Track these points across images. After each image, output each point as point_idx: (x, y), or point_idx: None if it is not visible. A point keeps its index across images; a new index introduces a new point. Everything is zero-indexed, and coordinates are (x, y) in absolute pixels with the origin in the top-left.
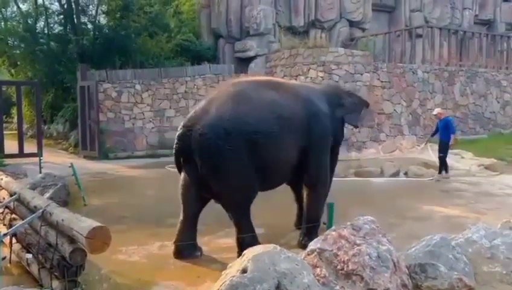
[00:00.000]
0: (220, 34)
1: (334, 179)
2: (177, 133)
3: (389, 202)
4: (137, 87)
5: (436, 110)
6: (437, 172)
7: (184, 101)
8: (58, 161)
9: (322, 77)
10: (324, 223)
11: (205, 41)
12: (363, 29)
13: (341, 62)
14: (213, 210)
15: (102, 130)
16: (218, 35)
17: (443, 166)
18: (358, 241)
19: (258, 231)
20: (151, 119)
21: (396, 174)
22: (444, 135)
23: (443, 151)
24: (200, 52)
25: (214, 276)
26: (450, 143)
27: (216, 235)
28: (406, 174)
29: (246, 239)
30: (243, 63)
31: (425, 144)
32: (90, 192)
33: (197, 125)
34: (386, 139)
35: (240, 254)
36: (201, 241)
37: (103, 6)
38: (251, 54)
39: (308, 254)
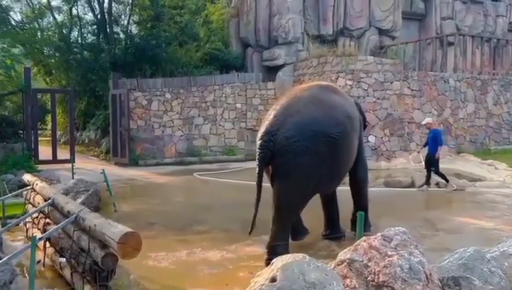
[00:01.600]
0: (249, 43)
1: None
2: (260, 141)
3: (420, 213)
4: (167, 95)
5: (426, 120)
6: (445, 182)
7: (212, 109)
8: (89, 167)
9: (350, 85)
10: (354, 234)
11: (233, 50)
12: (393, 37)
13: (370, 70)
14: (239, 218)
15: (133, 137)
16: (246, 44)
17: (430, 178)
18: (389, 252)
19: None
20: (180, 127)
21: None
22: (432, 147)
23: (433, 165)
24: (228, 61)
25: (242, 284)
26: (436, 156)
27: (244, 243)
28: (437, 185)
29: (280, 246)
30: (271, 72)
31: (418, 152)
32: (120, 198)
33: (283, 129)
34: (417, 149)
35: (269, 257)
36: (229, 249)
37: (135, 16)
38: (279, 62)
39: (338, 264)
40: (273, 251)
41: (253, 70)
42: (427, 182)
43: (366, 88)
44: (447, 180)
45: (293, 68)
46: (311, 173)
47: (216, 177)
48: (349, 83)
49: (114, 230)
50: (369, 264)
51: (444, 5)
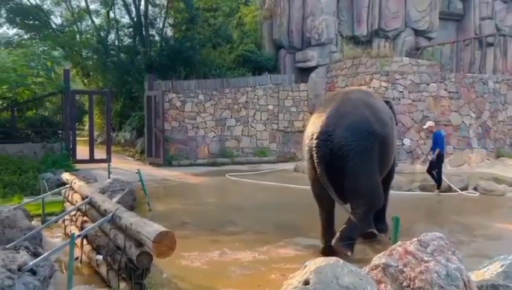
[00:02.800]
0: (281, 44)
1: (398, 192)
2: (316, 141)
3: (457, 218)
4: (201, 97)
5: (428, 124)
6: (436, 185)
7: (245, 110)
8: (125, 167)
9: (385, 86)
10: (389, 238)
11: (266, 52)
12: (430, 38)
13: (406, 72)
14: (271, 220)
15: (167, 138)
16: (279, 45)
17: (441, 181)
18: (425, 258)
19: (320, 243)
20: (212, 128)
21: (464, 189)
22: (435, 149)
23: (436, 166)
24: (261, 63)
25: (274, 285)
26: (432, 158)
27: (275, 245)
28: (475, 189)
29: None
30: (304, 73)
31: (426, 156)
32: (154, 198)
33: (339, 129)
34: (453, 152)
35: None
36: (261, 250)
37: (170, 19)
38: (312, 64)
39: (372, 269)
40: (346, 240)
41: (286, 72)
42: (439, 185)
43: (401, 90)
44: (439, 187)
45: (326, 70)
46: (368, 170)
47: (248, 178)
48: (384, 84)
49: (149, 229)
50: (405, 269)
51: (483, 4)
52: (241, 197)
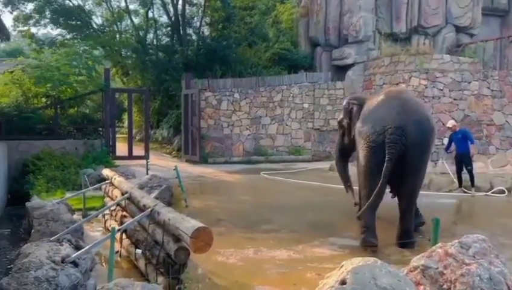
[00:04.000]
0: (318, 42)
1: (438, 193)
2: (393, 136)
3: (499, 220)
4: (236, 95)
5: (451, 123)
6: (473, 188)
7: (280, 109)
8: (162, 164)
9: (425, 85)
10: (429, 240)
11: (302, 50)
12: (472, 35)
13: (446, 70)
14: (306, 219)
15: (203, 136)
16: (315, 43)
17: (473, 179)
18: (467, 261)
19: (356, 243)
20: (247, 127)
21: (508, 190)
22: (464, 147)
23: (470, 164)
24: (296, 61)
25: (309, 285)
26: (472, 154)
27: (310, 245)
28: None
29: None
30: (340, 71)
31: (442, 160)
32: (190, 194)
33: (410, 126)
34: (496, 153)
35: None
36: (296, 249)
37: (207, 18)
38: (349, 61)
39: (411, 271)
40: (411, 234)
41: (322, 70)
42: (472, 184)
43: (441, 88)
44: (461, 185)
45: (363, 67)
46: (426, 165)
47: (282, 177)
48: (424, 82)
49: (187, 225)
50: (445, 272)
51: None
52: (275, 196)
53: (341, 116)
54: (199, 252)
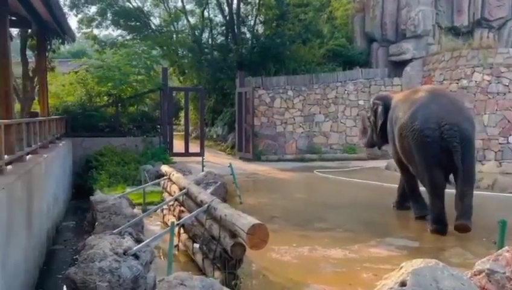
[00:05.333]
0: (374, 37)
1: (503, 194)
2: (451, 131)
3: None
4: (290, 93)
5: None
6: None
7: (334, 106)
8: (217, 160)
9: (488, 80)
10: (494, 242)
11: (357, 46)
12: None
13: None
14: (361, 218)
15: (256, 133)
16: (371, 39)
17: None
18: None
19: (414, 244)
20: (301, 124)
21: None
22: None
23: None
24: (352, 57)
25: (365, 285)
26: None
27: (367, 244)
28: None
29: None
30: (397, 67)
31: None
32: (244, 191)
33: (462, 123)
34: None
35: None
36: (351, 248)
37: (261, 16)
38: (407, 57)
39: (475, 274)
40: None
41: (378, 66)
42: None
43: (507, 84)
44: None
45: (422, 63)
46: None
47: (337, 175)
48: (487, 78)
49: (243, 221)
50: None
51: None
52: (329, 194)
53: (370, 114)
54: (255, 249)
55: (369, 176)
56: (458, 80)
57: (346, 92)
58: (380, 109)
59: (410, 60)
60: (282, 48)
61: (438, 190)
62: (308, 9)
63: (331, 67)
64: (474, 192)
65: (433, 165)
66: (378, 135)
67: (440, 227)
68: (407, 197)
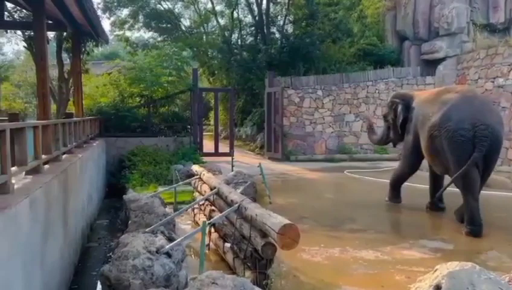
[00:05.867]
0: (406, 36)
1: None
2: (485, 132)
3: None
4: (319, 92)
5: None
6: None
7: (365, 106)
8: (246, 160)
9: None
10: None
11: (389, 44)
12: None
13: None
14: (393, 220)
15: (285, 133)
16: (403, 37)
17: None
18: None
19: (448, 246)
20: (330, 124)
21: None
22: None
23: None
24: (383, 56)
25: (398, 287)
26: None
27: (399, 246)
28: None
29: None
30: (430, 66)
31: None
32: (273, 191)
33: (494, 125)
34: None
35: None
36: (383, 250)
37: (290, 16)
38: (440, 55)
39: None
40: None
41: (410, 64)
42: None
43: None
44: None
45: (456, 61)
46: None
47: (367, 175)
48: None
49: (274, 221)
50: None
51: None
52: (360, 195)
53: (386, 111)
54: (286, 249)
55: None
56: (494, 78)
57: (377, 91)
58: (400, 107)
59: (444, 59)
60: (312, 47)
61: (472, 189)
62: (338, 8)
63: (362, 67)
64: (504, 193)
65: (465, 164)
66: (395, 132)
67: (475, 228)
68: (440, 197)
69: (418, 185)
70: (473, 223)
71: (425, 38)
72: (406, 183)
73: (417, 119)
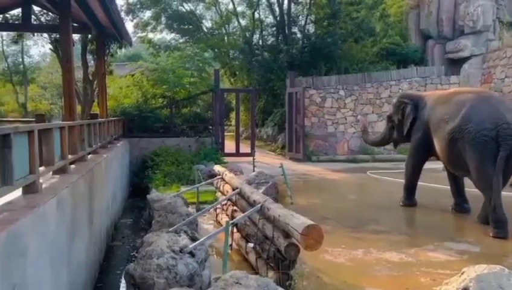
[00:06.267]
0: (429, 35)
1: None
2: (508, 130)
3: None
4: (341, 92)
5: None
6: None
7: (387, 105)
8: (267, 161)
9: None
10: None
11: (412, 43)
12: None
13: None
14: (417, 221)
15: (307, 134)
16: (427, 36)
17: None
18: None
19: (475, 249)
20: (352, 124)
21: None
22: None
23: None
24: (406, 55)
25: None
26: None
27: (424, 248)
28: None
29: None
30: (455, 65)
31: None
32: (295, 191)
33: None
34: None
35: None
36: (408, 252)
37: (312, 15)
38: (465, 54)
39: None
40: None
41: (434, 63)
42: None
43: None
44: None
45: (482, 60)
46: None
47: (391, 176)
48: None
49: (297, 221)
50: None
51: None
52: (383, 196)
53: (391, 111)
54: (309, 250)
55: (425, 178)
56: None
57: (400, 91)
58: (409, 107)
59: (469, 57)
60: (334, 47)
61: (495, 189)
62: (361, 8)
63: (385, 66)
64: None
65: (491, 165)
66: (400, 132)
67: (501, 231)
68: (464, 198)
69: (442, 185)
70: (498, 224)
71: (449, 37)
72: (431, 185)
73: (429, 121)
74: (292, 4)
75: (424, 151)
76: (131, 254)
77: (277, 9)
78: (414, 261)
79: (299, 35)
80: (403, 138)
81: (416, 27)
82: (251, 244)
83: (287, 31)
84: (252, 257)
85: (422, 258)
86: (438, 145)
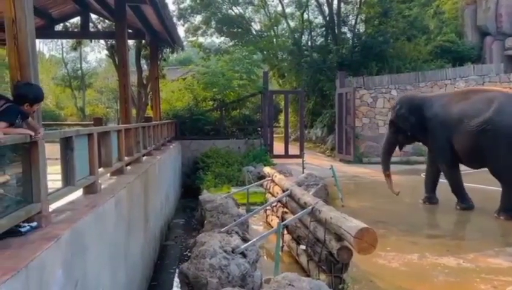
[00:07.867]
0: (487, 31)
1: None
2: None
3: None
4: (393, 92)
5: None
6: None
7: None
8: (316, 162)
9: None
10: None
11: (468, 40)
12: None
13: None
14: (476, 225)
15: (357, 135)
16: (484, 32)
17: None
18: None
19: None
20: None
21: None
22: None
23: None
24: (462, 53)
25: None
26: None
27: (483, 254)
28: None
29: None
30: None
31: None
32: (346, 194)
33: None
34: None
35: None
36: (466, 257)
37: (362, 15)
38: None
39: None
40: None
41: (492, 61)
42: None
43: None
44: None
45: None
46: None
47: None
48: None
49: (350, 224)
50: None
51: None
52: (439, 199)
53: (393, 116)
54: (363, 253)
55: (482, 180)
56: None
57: (456, 89)
58: (413, 109)
59: None
60: (385, 46)
61: None
62: (413, 5)
63: (439, 64)
64: None
65: None
66: (405, 135)
67: None
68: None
69: (498, 188)
70: None
71: (509, 33)
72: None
73: (446, 118)
74: (342, 4)
75: (450, 147)
76: (184, 253)
77: (326, 9)
78: (473, 267)
79: (348, 35)
80: (407, 140)
81: (472, 23)
82: (302, 247)
83: (336, 31)
84: (303, 259)
85: (482, 264)
86: (459, 139)
